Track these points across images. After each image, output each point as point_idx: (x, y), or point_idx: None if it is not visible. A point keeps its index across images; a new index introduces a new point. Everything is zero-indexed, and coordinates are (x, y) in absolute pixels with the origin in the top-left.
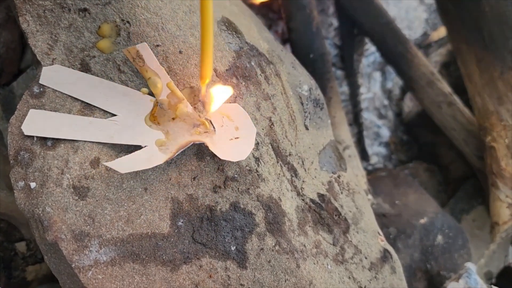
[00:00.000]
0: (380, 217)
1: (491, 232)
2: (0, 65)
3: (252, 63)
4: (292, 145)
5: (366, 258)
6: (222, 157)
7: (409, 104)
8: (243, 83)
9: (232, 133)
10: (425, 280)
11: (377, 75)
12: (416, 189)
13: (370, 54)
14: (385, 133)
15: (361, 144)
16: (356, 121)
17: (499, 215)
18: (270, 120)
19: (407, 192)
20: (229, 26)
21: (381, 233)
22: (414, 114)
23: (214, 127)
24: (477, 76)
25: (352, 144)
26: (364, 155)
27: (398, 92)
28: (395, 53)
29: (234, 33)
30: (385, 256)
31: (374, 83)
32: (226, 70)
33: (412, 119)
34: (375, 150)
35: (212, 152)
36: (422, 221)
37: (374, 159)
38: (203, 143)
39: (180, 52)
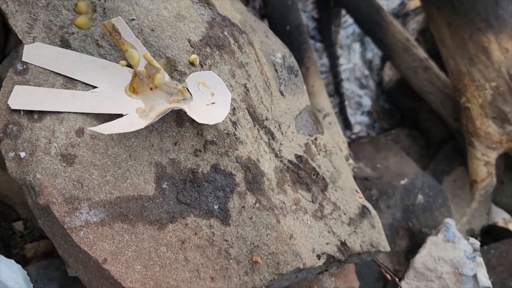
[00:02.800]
0: (363, 180)
1: (470, 191)
2: None
3: (225, 33)
4: (268, 110)
5: (345, 214)
6: (200, 121)
7: (388, 73)
8: (217, 52)
9: (209, 99)
10: (407, 237)
11: (357, 46)
12: (396, 152)
13: (349, 25)
14: (367, 102)
15: (344, 114)
16: (337, 91)
17: (477, 173)
18: (245, 86)
19: (387, 155)
20: None
21: (359, 190)
22: (394, 82)
23: (191, 94)
24: (448, 40)
25: (332, 111)
26: (347, 125)
27: (378, 61)
28: (370, 22)
29: (206, 5)
30: (363, 212)
31: (354, 54)
32: (200, 40)
33: (392, 87)
34: (358, 119)
35: (191, 118)
36: (403, 182)
37: (357, 128)
38: (181, 109)
39: (152, 29)
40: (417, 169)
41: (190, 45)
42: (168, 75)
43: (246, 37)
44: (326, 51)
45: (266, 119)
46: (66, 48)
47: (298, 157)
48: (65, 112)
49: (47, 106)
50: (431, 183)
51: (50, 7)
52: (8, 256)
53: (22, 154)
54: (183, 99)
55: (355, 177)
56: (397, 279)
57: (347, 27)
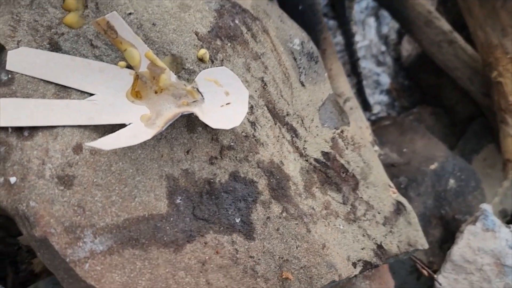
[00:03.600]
0: (389, 167)
1: (503, 170)
2: None
3: (236, 21)
4: (288, 104)
5: (379, 213)
6: (214, 126)
7: (407, 48)
8: (229, 44)
9: (223, 99)
10: (440, 226)
11: (371, 21)
12: (423, 134)
13: None
14: (385, 80)
15: (362, 95)
16: (354, 71)
17: (511, 151)
18: (263, 80)
19: (414, 138)
20: None
21: (392, 185)
22: (413, 57)
23: (202, 95)
24: (477, 9)
25: (352, 95)
26: (366, 106)
27: (395, 36)
28: None
29: None
30: (398, 209)
31: (369, 30)
32: (209, 31)
33: (412, 63)
34: (377, 99)
35: (203, 122)
36: (433, 166)
37: (376, 108)
38: (192, 114)
39: (153, 24)
40: (446, 151)
41: (198, 39)
42: (175, 74)
43: (260, 24)
44: (341, 29)
45: (287, 114)
46: (56, 52)
47: (325, 154)
48: (59, 126)
49: (39, 120)
50: (462, 165)
51: (34, 5)
52: (16, 272)
53: (13, 180)
54: (194, 101)
55: None
56: (435, 276)
57: (360, 1)
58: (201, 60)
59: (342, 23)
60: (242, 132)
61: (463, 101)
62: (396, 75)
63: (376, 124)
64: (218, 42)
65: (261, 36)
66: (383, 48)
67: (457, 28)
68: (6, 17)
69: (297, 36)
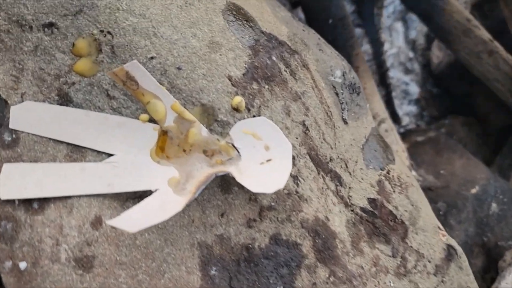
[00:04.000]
0: (426, 191)
1: None
2: None
3: (273, 58)
4: (332, 148)
5: (429, 262)
6: (254, 190)
7: (438, 54)
8: (266, 87)
9: (263, 155)
10: (482, 255)
11: (399, 26)
12: (461, 153)
13: (389, 3)
14: (414, 89)
15: (391, 106)
16: (382, 82)
17: None
18: (304, 124)
19: (451, 158)
20: (237, 14)
21: (441, 227)
22: (444, 64)
23: (238, 151)
24: None
25: (387, 116)
26: (394, 118)
27: (423, 41)
28: (422, 1)
29: (245, 22)
30: (449, 254)
31: (397, 36)
32: (243, 74)
33: (443, 70)
34: (405, 110)
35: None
36: (474, 190)
37: (405, 120)
38: (228, 173)
39: (179, 68)
40: (487, 173)
41: (232, 84)
42: (206, 128)
43: (299, 57)
44: (368, 37)
45: (331, 160)
46: (67, 104)
47: (371, 201)
48: (74, 196)
49: (50, 190)
50: (504, 187)
51: (39, 51)
52: None
53: (23, 265)
54: (229, 159)
55: None
56: None
57: (387, 6)
58: (236, 109)
59: (370, 31)
60: (284, 189)
61: (497, 110)
62: (425, 82)
63: (406, 138)
64: (255, 86)
65: (300, 72)
66: (411, 54)
67: (494, 35)
68: (7, 65)
69: (338, 66)
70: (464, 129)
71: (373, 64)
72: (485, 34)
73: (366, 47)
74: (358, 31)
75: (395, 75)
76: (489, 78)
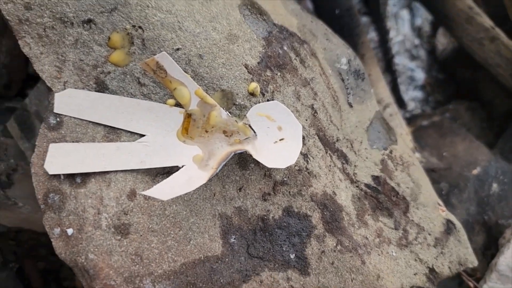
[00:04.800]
0: (429, 172)
1: None
2: (7, 76)
3: (285, 48)
4: (338, 129)
5: (430, 234)
6: (269, 165)
7: (442, 41)
8: (279, 74)
9: (276, 135)
10: (483, 232)
11: (405, 14)
12: (464, 136)
13: None
14: (420, 75)
15: (397, 92)
16: (388, 69)
17: None
18: (313, 107)
19: (454, 141)
20: (252, 8)
21: (441, 203)
22: (449, 51)
23: (254, 132)
24: None
25: (392, 101)
26: (400, 103)
27: (429, 28)
28: None
29: (259, 15)
30: (448, 228)
31: (403, 23)
32: (258, 63)
33: (448, 57)
34: (411, 95)
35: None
36: (475, 171)
37: (410, 105)
38: (245, 151)
39: (201, 56)
40: (489, 155)
41: (248, 72)
42: (226, 110)
43: (308, 47)
44: (374, 25)
45: (337, 140)
46: (103, 91)
47: (375, 178)
48: (111, 171)
49: (90, 166)
50: (505, 168)
51: (79, 44)
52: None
53: (70, 231)
54: (246, 138)
55: None
56: (476, 284)
57: None
58: (252, 94)
59: (376, 19)
60: (295, 166)
61: (501, 95)
62: (430, 68)
63: (412, 123)
64: (268, 73)
65: (309, 60)
66: (417, 41)
67: (497, 20)
68: (51, 57)
69: (344, 54)
70: (468, 114)
71: (379, 51)
72: (487, 21)
73: (372, 35)
74: (365, 19)
75: (401, 61)
76: (491, 64)
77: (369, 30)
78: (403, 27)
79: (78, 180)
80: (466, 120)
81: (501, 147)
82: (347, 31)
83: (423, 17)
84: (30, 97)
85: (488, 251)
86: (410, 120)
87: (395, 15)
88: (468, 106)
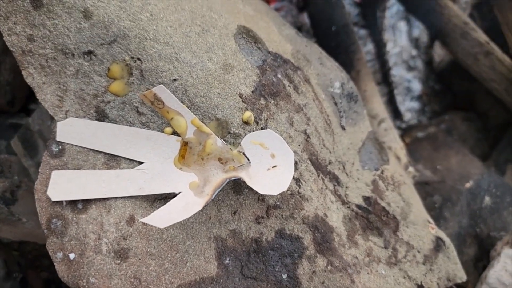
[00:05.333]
0: (423, 185)
1: None
2: (11, 93)
3: (279, 76)
4: (330, 152)
5: (419, 252)
6: (262, 192)
7: (439, 53)
8: (272, 101)
9: (269, 162)
10: (475, 245)
11: (402, 25)
12: (457, 150)
13: (393, 4)
14: (416, 86)
15: (393, 103)
16: (385, 80)
17: None
18: (305, 133)
19: (448, 154)
20: (247, 36)
21: (431, 220)
22: (446, 62)
23: (248, 159)
24: None
25: (387, 116)
26: (396, 114)
27: (426, 39)
28: (422, 6)
29: (254, 44)
30: (438, 245)
31: (400, 35)
32: (252, 91)
33: (445, 68)
34: (408, 106)
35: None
36: (468, 185)
37: (407, 116)
38: (240, 178)
39: (199, 89)
40: (481, 168)
41: (242, 101)
42: (221, 139)
43: (301, 73)
44: (372, 38)
45: (330, 163)
46: (103, 120)
47: (366, 199)
48: (111, 198)
49: (91, 193)
50: (498, 181)
51: (80, 75)
52: None
53: (72, 256)
54: (240, 165)
55: (414, 184)
56: None
57: (391, 7)
58: (246, 123)
59: (373, 32)
60: (288, 190)
61: (496, 107)
62: (427, 79)
63: (407, 133)
64: (262, 101)
65: (302, 86)
66: (414, 52)
67: (492, 34)
68: (53, 87)
69: (337, 78)
70: (464, 124)
71: (377, 63)
72: (481, 36)
73: (369, 47)
74: (362, 32)
75: (398, 72)
76: (486, 78)
77: (367, 42)
78: (400, 38)
79: (80, 206)
80: (461, 130)
81: (495, 158)
82: (343, 48)
83: (421, 28)
84: (33, 117)
85: (480, 263)
86: (406, 130)
87: (392, 27)
88: (464, 117)
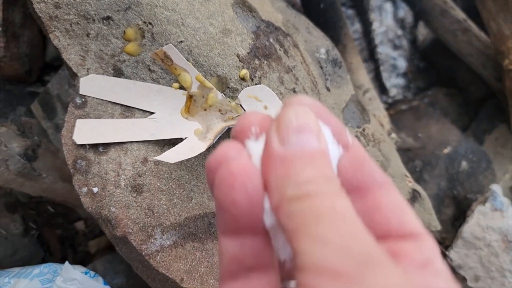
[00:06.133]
0: (405, 151)
1: None
2: (28, 63)
3: (271, 40)
4: None
5: None
6: None
7: (423, 32)
8: (265, 62)
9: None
10: (453, 205)
11: (388, 6)
12: (437, 119)
13: None
14: (402, 63)
15: (379, 79)
16: (371, 57)
17: None
18: (294, 90)
19: (429, 123)
20: (243, 6)
21: (408, 174)
22: (429, 41)
23: (244, 110)
24: (490, 1)
25: (371, 86)
26: (382, 89)
27: (411, 19)
28: None
29: (249, 12)
30: (414, 196)
31: (386, 15)
32: (248, 53)
33: (428, 46)
34: (393, 82)
35: None
36: (446, 150)
37: (393, 92)
38: None
39: (202, 49)
40: (459, 136)
41: (239, 60)
42: (221, 93)
43: (291, 39)
44: (358, 17)
45: None
46: (120, 76)
47: None
48: (127, 142)
49: (110, 138)
50: (474, 148)
51: (99, 37)
52: (74, 252)
53: (95, 190)
54: (238, 115)
55: (397, 149)
56: (445, 251)
57: None
58: (242, 79)
59: (360, 12)
60: None
61: (476, 83)
62: (412, 57)
63: (392, 107)
64: (256, 62)
65: (292, 50)
66: (400, 32)
67: (470, 13)
68: (76, 48)
69: (323, 45)
70: (446, 99)
71: (364, 41)
72: (459, 14)
73: (357, 26)
74: (350, 12)
75: (384, 51)
76: (464, 53)
77: (354, 22)
78: (386, 18)
79: (101, 149)
80: (444, 105)
81: (473, 129)
82: (331, 24)
83: (406, 9)
84: (52, 82)
85: (457, 222)
86: (392, 105)
87: (379, 8)
88: (446, 92)
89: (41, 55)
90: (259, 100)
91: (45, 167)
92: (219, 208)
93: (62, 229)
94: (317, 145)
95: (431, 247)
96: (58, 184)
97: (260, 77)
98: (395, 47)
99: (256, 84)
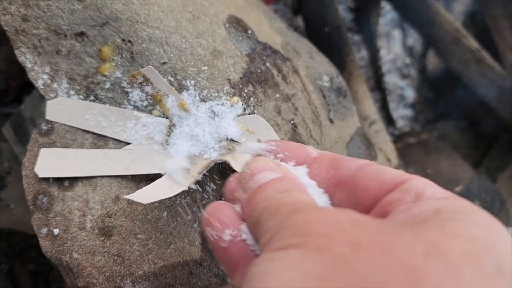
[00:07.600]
0: None
1: None
2: (5, 82)
3: (267, 64)
4: (318, 143)
5: None
6: None
7: (432, 61)
8: (260, 89)
9: None
10: None
11: (396, 33)
12: (448, 155)
13: (387, 12)
14: (410, 94)
15: (386, 110)
16: (378, 86)
17: None
18: (293, 122)
19: (438, 159)
20: (237, 25)
21: None
22: (439, 70)
23: (235, 143)
24: (507, 31)
25: (378, 118)
26: (389, 121)
27: (420, 47)
28: (414, 12)
29: (244, 33)
30: None
31: (394, 42)
32: (240, 78)
33: (438, 76)
34: (400, 113)
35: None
36: (457, 189)
37: (400, 123)
38: (225, 162)
39: (188, 73)
40: (471, 173)
41: (231, 86)
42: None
43: (290, 64)
44: (365, 44)
45: None
46: (93, 100)
47: None
48: (98, 176)
49: (78, 171)
50: (487, 187)
51: (71, 55)
52: None
53: (56, 231)
54: (229, 149)
55: None
56: None
57: (385, 14)
58: (233, 107)
59: (367, 38)
60: None
61: (488, 115)
62: (421, 87)
63: (400, 140)
64: (250, 88)
65: (291, 77)
66: (408, 60)
67: (485, 42)
68: (45, 67)
69: (326, 72)
70: (456, 133)
71: (370, 69)
72: (472, 44)
73: (363, 53)
74: (357, 38)
75: (392, 80)
76: (476, 85)
77: (361, 48)
78: (394, 46)
79: (66, 183)
80: (454, 138)
81: (486, 166)
82: (335, 49)
83: (415, 36)
84: (25, 103)
85: None
86: (399, 137)
87: (387, 34)
88: (456, 126)
89: (20, 73)
90: (251, 133)
91: (14, 197)
92: (217, 256)
93: (36, 263)
94: (273, 175)
95: (419, 182)
96: (29, 215)
97: (254, 106)
98: (403, 76)
99: (249, 114)
